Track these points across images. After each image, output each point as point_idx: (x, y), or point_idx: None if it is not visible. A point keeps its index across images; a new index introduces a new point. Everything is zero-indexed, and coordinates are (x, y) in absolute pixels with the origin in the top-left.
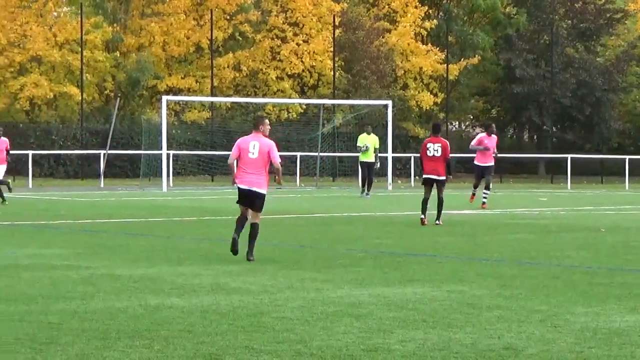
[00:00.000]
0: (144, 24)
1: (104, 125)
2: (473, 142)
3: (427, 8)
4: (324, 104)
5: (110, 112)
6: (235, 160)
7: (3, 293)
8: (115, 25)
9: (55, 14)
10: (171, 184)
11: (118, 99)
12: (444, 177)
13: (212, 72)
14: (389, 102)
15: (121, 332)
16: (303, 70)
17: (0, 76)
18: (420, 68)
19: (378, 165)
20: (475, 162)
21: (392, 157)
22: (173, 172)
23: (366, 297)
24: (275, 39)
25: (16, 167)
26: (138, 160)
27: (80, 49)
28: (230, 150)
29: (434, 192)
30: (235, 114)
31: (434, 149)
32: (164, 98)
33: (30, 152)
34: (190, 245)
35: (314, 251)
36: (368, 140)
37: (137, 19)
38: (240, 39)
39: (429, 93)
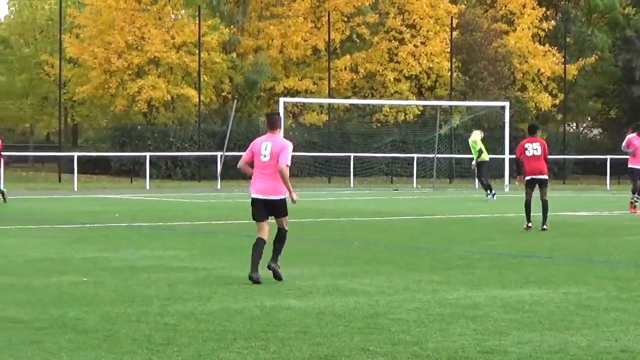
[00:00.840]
0: (261, 26)
1: (221, 127)
2: (623, 144)
3: (544, 9)
4: (440, 106)
5: (227, 114)
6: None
7: (120, 294)
8: (232, 27)
9: (173, 16)
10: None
11: (235, 100)
12: (547, 177)
13: (329, 74)
14: (507, 104)
15: (237, 333)
16: (420, 72)
17: (119, 78)
18: (538, 70)
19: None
20: (629, 165)
21: (509, 158)
22: (291, 173)
23: (482, 298)
24: (393, 41)
25: (134, 169)
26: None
27: (197, 51)
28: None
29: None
30: (352, 116)
31: (533, 148)
32: (282, 100)
33: (147, 154)
34: (306, 246)
35: (430, 253)
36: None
37: (255, 21)
38: (358, 40)
39: (547, 94)
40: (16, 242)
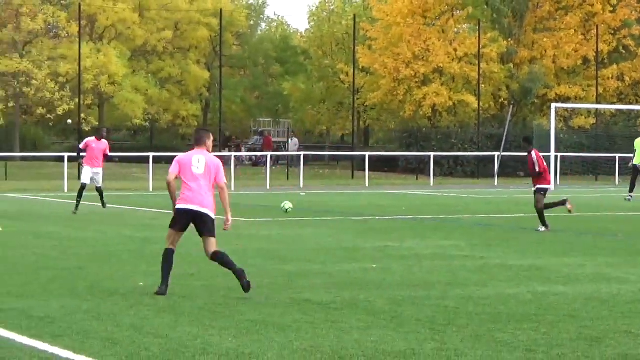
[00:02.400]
0: (536, 38)
1: (498, 130)
2: None
3: None
4: None
5: (504, 118)
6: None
7: (406, 279)
8: (509, 39)
9: (455, 30)
10: (558, 183)
11: (512, 106)
12: None
13: (597, 82)
14: None
15: (511, 316)
16: None
17: (406, 86)
18: None
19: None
20: None
21: None
22: (560, 172)
23: None
24: None
25: (419, 167)
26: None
27: (477, 62)
28: None
29: None
30: (618, 120)
31: None
32: (553, 105)
33: (432, 154)
34: (572, 238)
35: None
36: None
37: (530, 34)
38: (624, 51)
39: None
40: (312, 232)
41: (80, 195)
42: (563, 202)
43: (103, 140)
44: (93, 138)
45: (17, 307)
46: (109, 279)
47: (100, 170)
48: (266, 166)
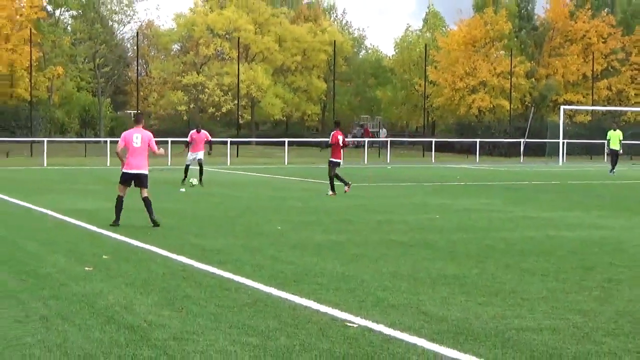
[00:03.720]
0: (550, 61)
1: (523, 124)
2: None
3: None
4: None
5: (528, 116)
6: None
7: (458, 226)
8: (532, 62)
9: (495, 55)
10: (565, 161)
11: (533, 108)
12: None
13: (592, 91)
14: None
15: (531, 251)
16: None
17: (461, 94)
18: None
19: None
20: None
21: None
22: (566, 153)
23: None
24: (634, 70)
25: (469, 149)
26: (544, 146)
27: (510, 77)
28: None
29: None
30: (607, 118)
31: None
32: (562, 107)
33: (477, 140)
34: (575, 198)
35: None
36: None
37: (547, 57)
38: (612, 70)
39: None
40: (394, 193)
41: (185, 172)
42: (347, 184)
43: (202, 131)
44: (194, 131)
45: (195, 242)
46: (257, 225)
47: (201, 153)
48: (364, 148)
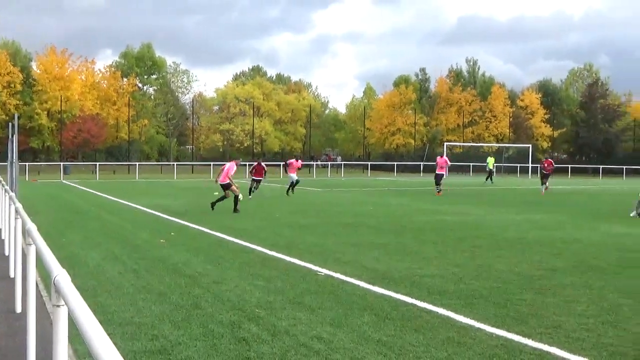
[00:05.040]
0: (439, 116)
1: (422, 152)
2: None
3: (546, 110)
4: (505, 146)
5: (424, 149)
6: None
7: (387, 213)
8: (428, 117)
9: (406, 112)
10: (447, 174)
11: (427, 144)
12: None
13: (463, 134)
14: (530, 146)
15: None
16: (498, 133)
17: (385, 136)
18: (542, 132)
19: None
20: None
21: None
22: (448, 170)
23: (520, 219)
24: (487, 122)
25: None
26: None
27: (414, 125)
28: None
29: None
30: (472, 149)
31: None
32: (445, 144)
33: (395, 163)
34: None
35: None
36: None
37: (436, 114)
38: (475, 121)
39: (545, 142)
40: (347, 195)
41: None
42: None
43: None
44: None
45: (228, 224)
46: (266, 213)
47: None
48: (328, 168)
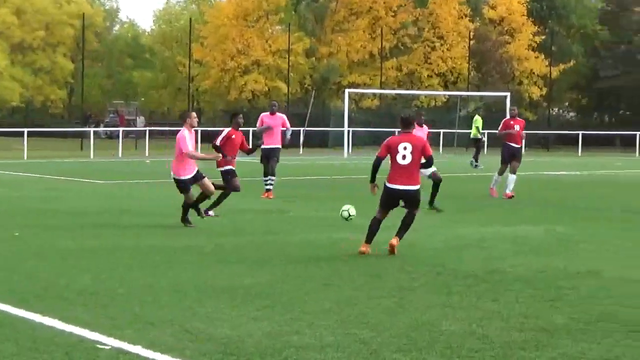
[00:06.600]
0: (333, 37)
1: (303, 110)
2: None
3: (537, 26)
4: (460, 95)
5: (308, 101)
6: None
7: (236, 227)
8: (313, 38)
9: (270, 30)
10: (350, 152)
11: (314, 91)
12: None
13: (381, 72)
14: (508, 94)
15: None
16: (446, 71)
17: (231, 75)
18: (531, 70)
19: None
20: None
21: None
22: (352, 144)
23: (488, 233)
24: (427, 48)
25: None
26: (327, 135)
27: (287, 56)
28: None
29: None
30: (397, 102)
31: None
32: (347, 90)
33: (250, 129)
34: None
35: (452, 201)
36: (480, 121)
37: (329, 34)
38: (402, 47)
39: (536, 87)
40: (151, 190)
41: None
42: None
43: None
44: None
45: None
46: None
47: None
48: (119, 139)
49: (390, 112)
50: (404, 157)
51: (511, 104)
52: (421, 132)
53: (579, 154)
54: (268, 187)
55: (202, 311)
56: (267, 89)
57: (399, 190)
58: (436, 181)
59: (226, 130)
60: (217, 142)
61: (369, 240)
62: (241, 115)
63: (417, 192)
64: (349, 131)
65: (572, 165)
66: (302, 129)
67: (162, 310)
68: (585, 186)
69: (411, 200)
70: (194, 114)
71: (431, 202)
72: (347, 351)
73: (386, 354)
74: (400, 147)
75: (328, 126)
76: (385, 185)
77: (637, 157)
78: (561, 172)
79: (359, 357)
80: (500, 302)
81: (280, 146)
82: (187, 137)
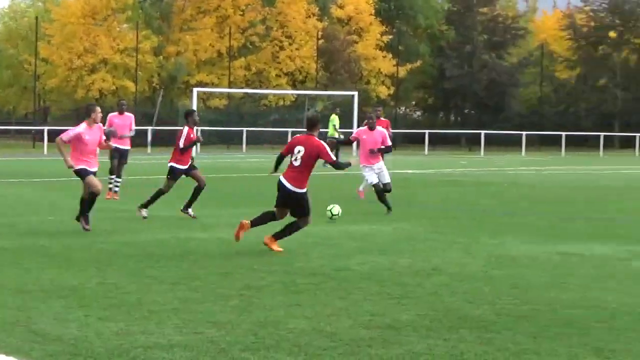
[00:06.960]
0: (181, 36)
1: (151, 109)
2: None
3: (385, 26)
4: (309, 94)
5: (155, 100)
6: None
7: (72, 227)
8: (160, 37)
9: (118, 29)
10: (198, 151)
11: (162, 90)
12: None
13: (229, 71)
14: (355, 93)
15: (160, 256)
16: (295, 70)
17: (78, 73)
18: (379, 69)
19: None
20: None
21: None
22: (197, 142)
23: (335, 232)
24: (275, 47)
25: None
26: (174, 134)
27: (135, 54)
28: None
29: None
30: (245, 101)
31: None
32: (195, 89)
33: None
34: (217, 195)
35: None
36: (337, 120)
37: (177, 32)
38: (250, 46)
39: (384, 87)
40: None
41: None
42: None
43: None
44: None
45: None
46: None
47: None
48: None
49: (239, 111)
50: (295, 159)
51: (359, 103)
52: (377, 134)
53: (426, 152)
54: (115, 188)
55: (49, 312)
56: (114, 88)
57: (285, 187)
58: (379, 191)
59: (185, 129)
60: (181, 144)
61: (254, 222)
62: (196, 113)
63: (301, 196)
64: (197, 130)
65: (418, 164)
66: (150, 127)
67: (7, 312)
68: (431, 185)
69: (296, 204)
70: (98, 109)
71: (387, 206)
72: (195, 350)
73: (234, 353)
74: (296, 149)
75: (176, 125)
76: (279, 178)
77: (482, 157)
78: (408, 170)
79: (207, 356)
80: (347, 299)
81: (129, 148)
82: (77, 129)
